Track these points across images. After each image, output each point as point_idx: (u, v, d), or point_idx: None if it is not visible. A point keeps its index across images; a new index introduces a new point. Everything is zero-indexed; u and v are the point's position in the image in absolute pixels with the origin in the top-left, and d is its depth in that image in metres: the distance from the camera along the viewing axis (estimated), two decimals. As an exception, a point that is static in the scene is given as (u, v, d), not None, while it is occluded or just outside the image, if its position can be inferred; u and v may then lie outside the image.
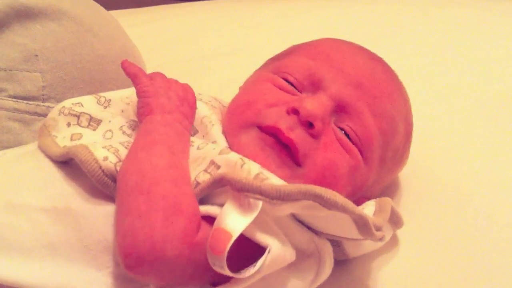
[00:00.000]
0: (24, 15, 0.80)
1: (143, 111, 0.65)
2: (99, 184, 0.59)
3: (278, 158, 0.65)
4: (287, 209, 0.56)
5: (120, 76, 0.87)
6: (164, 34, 1.34)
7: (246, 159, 0.60)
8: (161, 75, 0.70)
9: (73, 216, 0.59)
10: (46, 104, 0.80)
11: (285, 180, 0.60)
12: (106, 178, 0.59)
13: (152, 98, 0.65)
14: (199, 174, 0.60)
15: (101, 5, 0.95)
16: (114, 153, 0.60)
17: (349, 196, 0.68)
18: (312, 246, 0.63)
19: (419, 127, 0.77)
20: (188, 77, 0.88)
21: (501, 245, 0.74)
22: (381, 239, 0.61)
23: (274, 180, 0.58)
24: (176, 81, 0.71)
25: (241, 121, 0.68)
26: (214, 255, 0.51)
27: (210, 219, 0.56)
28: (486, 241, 0.75)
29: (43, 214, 0.59)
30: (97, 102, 0.71)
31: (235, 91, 0.81)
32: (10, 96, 0.79)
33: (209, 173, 0.60)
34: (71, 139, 0.66)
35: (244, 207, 0.54)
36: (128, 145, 0.62)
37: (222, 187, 0.56)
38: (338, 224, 0.61)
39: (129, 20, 1.20)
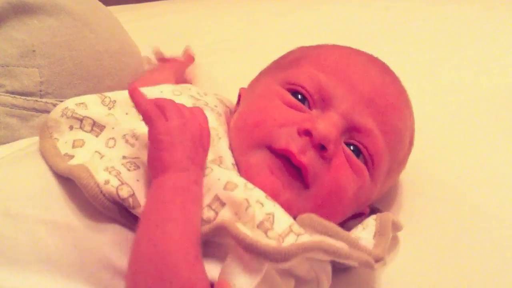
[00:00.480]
0: (22, 10, 0.80)
1: (155, 166, 0.58)
2: (101, 207, 0.58)
3: (286, 182, 0.64)
4: (292, 263, 0.56)
5: (118, 72, 0.87)
6: (162, 30, 1.34)
7: (252, 199, 0.59)
8: (176, 109, 0.61)
9: (73, 232, 0.58)
10: (44, 99, 0.80)
11: (290, 203, 0.61)
12: (107, 202, 0.58)
13: (166, 152, 0.58)
14: (204, 210, 0.59)
15: (100, 0, 0.94)
16: (116, 175, 0.59)
17: (351, 211, 0.70)
18: (311, 274, 0.63)
19: (417, 125, 0.77)
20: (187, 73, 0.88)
21: (500, 242, 0.74)
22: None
23: (282, 223, 0.58)
24: (191, 115, 0.62)
25: (250, 140, 0.66)
26: None
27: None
28: (487, 239, 0.74)
29: (42, 226, 0.58)
30: (102, 103, 0.69)
31: (235, 87, 0.80)
32: (7, 92, 0.79)
33: (213, 210, 0.59)
34: (73, 146, 0.64)
35: (249, 266, 0.54)
36: (130, 167, 0.60)
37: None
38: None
39: (127, 15, 1.19)
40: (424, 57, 1.18)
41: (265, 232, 0.57)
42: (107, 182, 0.58)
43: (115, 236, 0.58)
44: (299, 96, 0.68)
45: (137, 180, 0.59)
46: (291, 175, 0.64)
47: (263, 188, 0.61)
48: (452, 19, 1.35)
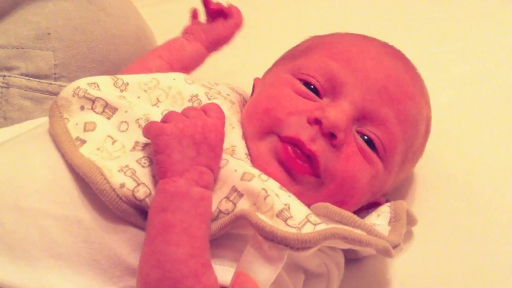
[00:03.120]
0: (37, -7, 0.80)
1: (157, 170, 0.58)
2: (118, 211, 0.57)
3: (298, 175, 0.63)
4: (311, 251, 0.56)
5: (133, 56, 0.86)
6: (177, 15, 1.33)
7: (269, 189, 0.58)
8: (174, 113, 0.61)
9: (84, 228, 0.57)
10: (58, 83, 0.80)
11: (300, 193, 0.61)
12: (124, 205, 0.57)
13: (162, 154, 0.57)
14: (222, 202, 0.58)
15: (115, -16, 0.94)
16: (131, 176, 0.58)
17: (366, 200, 0.69)
18: (322, 268, 0.63)
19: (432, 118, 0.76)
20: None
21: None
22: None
23: (298, 214, 0.57)
24: (194, 115, 0.61)
25: (259, 127, 0.66)
26: None
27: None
28: (499, 234, 0.74)
29: (52, 221, 0.57)
30: (114, 84, 0.68)
31: (243, 78, 0.80)
32: (22, 74, 0.79)
33: (231, 201, 0.58)
34: (84, 129, 0.63)
35: (269, 256, 0.54)
36: (145, 163, 0.59)
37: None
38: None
39: (142, 0, 1.19)
40: (439, 49, 1.16)
41: (285, 221, 0.56)
42: (122, 185, 0.57)
43: (126, 233, 0.58)
44: (310, 86, 0.68)
45: (153, 176, 0.58)
46: (301, 168, 0.63)
47: (273, 178, 0.61)
48: (468, 10, 1.33)
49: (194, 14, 0.86)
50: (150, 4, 1.29)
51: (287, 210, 0.57)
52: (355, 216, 0.60)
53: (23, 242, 0.56)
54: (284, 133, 0.64)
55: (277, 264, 0.54)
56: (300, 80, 0.68)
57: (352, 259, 0.70)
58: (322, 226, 0.56)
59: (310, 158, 0.63)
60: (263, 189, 0.58)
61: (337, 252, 0.65)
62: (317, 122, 0.63)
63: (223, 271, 0.56)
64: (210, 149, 0.58)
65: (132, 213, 0.57)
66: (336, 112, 0.63)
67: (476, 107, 0.97)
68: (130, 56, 0.86)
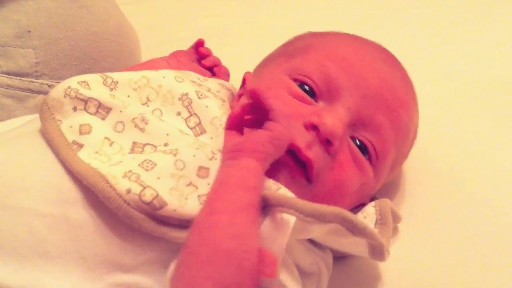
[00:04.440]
0: (17, -10, 0.80)
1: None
2: (126, 218, 0.56)
3: (289, 177, 0.63)
4: (314, 231, 0.56)
5: (115, 53, 0.87)
6: (159, 13, 1.33)
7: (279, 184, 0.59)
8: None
9: (71, 226, 0.56)
10: (40, 80, 0.80)
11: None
12: (133, 211, 0.55)
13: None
14: None
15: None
16: (136, 181, 0.56)
17: (353, 204, 0.69)
18: (314, 267, 0.63)
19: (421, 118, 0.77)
20: (183, 56, 0.87)
21: (500, 233, 0.74)
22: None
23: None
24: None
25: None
26: (270, 279, 0.53)
27: None
28: (487, 230, 0.74)
29: (39, 219, 0.57)
30: (103, 83, 0.66)
31: (233, 72, 0.80)
32: (3, 73, 0.79)
33: None
34: (80, 132, 0.62)
35: (277, 223, 0.55)
36: (148, 166, 0.58)
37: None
38: (351, 246, 0.63)
39: (124, -3, 1.18)
40: (427, 45, 1.17)
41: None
42: (129, 191, 0.56)
43: (115, 230, 0.57)
44: (306, 87, 0.68)
45: (158, 178, 0.57)
46: (295, 171, 0.63)
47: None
48: (454, 6, 1.34)
49: (199, 43, 0.89)
50: (131, 1, 1.28)
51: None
52: (348, 212, 0.60)
53: (11, 239, 0.56)
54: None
55: (283, 230, 0.54)
56: (296, 80, 0.68)
57: (337, 256, 0.70)
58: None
59: (303, 165, 0.63)
60: (274, 183, 0.59)
61: (326, 252, 0.65)
62: (313, 128, 0.63)
63: None
64: None
65: (140, 218, 0.56)
66: (333, 119, 0.63)
67: (463, 103, 0.99)
68: (112, 53, 0.86)
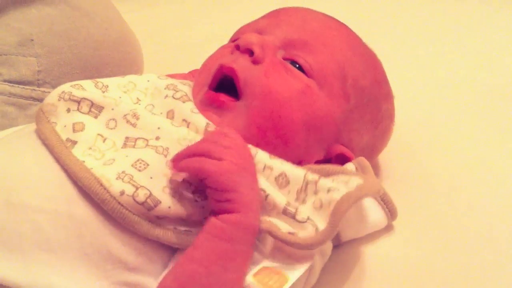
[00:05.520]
0: (20, 0, 0.80)
1: (222, 208, 0.57)
2: (121, 220, 0.57)
3: (218, 110, 0.65)
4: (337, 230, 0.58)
5: (117, 61, 0.87)
6: (161, 20, 1.34)
7: (267, 189, 0.60)
8: (207, 145, 0.60)
9: (75, 222, 0.57)
10: (42, 89, 0.80)
11: (234, 124, 0.63)
12: (127, 212, 0.57)
13: (234, 193, 0.57)
14: None
15: (99, -10, 0.94)
16: (129, 182, 0.58)
17: (308, 130, 0.67)
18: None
19: (412, 120, 0.77)
20: (185, 64, 0.88)
21: (493, 237, 0.74)
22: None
23: (295, 180, 0.61)
24: (227, 144, 0.60)
25: (196, 84, 0.69)
26: None
27: None
28: (479, 234, 0.74)
29: (44, 216, 0.57)
30: (95, 86, 0.68)
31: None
32: (5, 81, 0.79)
33: None
34: (74, 130, 0.63)
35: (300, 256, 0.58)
36: (140, 167, 0.59)
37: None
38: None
39: (126, 5, 1.19)
40: (423, 51, 1.17)
41: (293, 218, 0.58)
42: (122, 192, 0.57)
43: (118, 228, 0.58)
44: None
45: (151, 178, 0.58)
46: (217, 95, 0.66)
47: (212, 122, 0.63)
48: (453, 14, 1.34)
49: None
50: (133, 9, 1.29)
51: (289, 204, 0.59)
52: (332, 166, 0.64)
53: (15, 236, 0.56)
54: (211, 76, 0.67)
55: (308, 261, 0.58)
56: (233, 41, 0.71)
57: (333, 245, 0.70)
58: (327, 197, 0.59)
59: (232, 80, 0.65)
60: (262, 189, 0.59)
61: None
62: (237, 48, 0.67)
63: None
64: (256, 180, 0.60)
65: (135, 220, 0.57)
66: (252, 34, 0.67)
67: (458, 108, 0.99)
68: (114, 61, 0.86)
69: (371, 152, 0.76)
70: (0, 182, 0.59)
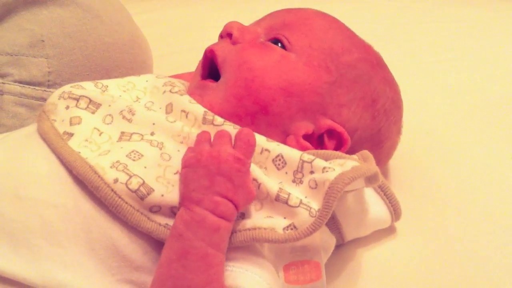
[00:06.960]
0: (31, 1, 0.80)
1: (179, 199, 0.59)
2: (113, 208, 0.58)
3: (201, 89, 0.70)
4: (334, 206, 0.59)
5: (127, 64, 0.87)
6: (172, 23, 1.34)
7: (260, 178, 0.60)
8: (201, 142, 0.62)
9: (83, 217, 0.58)
10: (52, 90, 0.80)
11: (214, 101, 0.67)
12: (119, 200, 0.58)
13: (182, 184, 0.59)
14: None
15: (110, -8, 0.94)
16: (123, 170, 0.59)
17: (288, 97, 0.67)
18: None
19: (420, 125, 0.77)
20: (195, 67, 0.88)
21: (498, 240, 0.74)
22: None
23: (291, 162, 0.62)
24: (218, 143, 0.60)
25: (192, 78, 0.73)
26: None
27: None
28: (485, 240, 0.74)
29: (53, 210, 0.58)
30: (95, 86, 0.70)
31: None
32: (15, 81, 0.79)
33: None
34: (70, 123, 0.65)
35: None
36: (135, 157, 0.60)
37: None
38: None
39: (137, 7, 1.20)
40: (430, 58, 1.17)
41: (286, 203, 0.58)
42: (116, 180, 0.58)
43: (124, 224, 0.58)
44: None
45: (145, 167, 0.60)
46: (208, 73, 0.71)
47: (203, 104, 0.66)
48: (459, 20, 1.34)
49: None
50: (144, 11, 1.30)
51: (281, 191, 0.59)
52: (329, 151, 0.65)
53: (24, 231, 0.57)
54: (200, 65, 0.73)
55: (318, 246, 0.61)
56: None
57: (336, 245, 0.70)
58: (322, 176, 0.59)
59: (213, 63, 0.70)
60: (254, 179, 0.60)
61: (330, 236, 0.67)
62: (221, 36, 0.72)
63: (235, 274, 0.57)
64: (227, 180, 0.57)
65: (127, 209, 0.58)
66: (232, 21, 0.72)
67: (463, 115, 0.99)
68: (124, 63, 0.86)
69: (376, 140, 0.75)
70: (8, 177, 0.61)
